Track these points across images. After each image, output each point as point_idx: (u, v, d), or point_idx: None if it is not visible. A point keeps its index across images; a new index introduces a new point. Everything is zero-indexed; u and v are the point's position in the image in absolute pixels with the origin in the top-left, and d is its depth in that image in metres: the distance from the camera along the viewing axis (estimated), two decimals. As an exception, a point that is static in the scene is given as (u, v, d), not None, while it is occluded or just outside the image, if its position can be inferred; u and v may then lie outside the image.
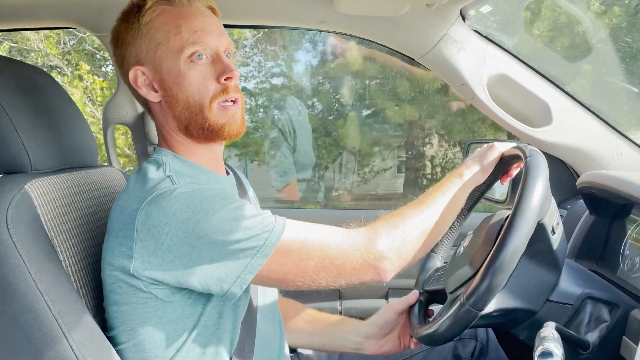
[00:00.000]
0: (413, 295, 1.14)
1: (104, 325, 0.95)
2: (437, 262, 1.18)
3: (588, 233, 1.28)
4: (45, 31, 5.15)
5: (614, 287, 1.04)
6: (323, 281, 0.90)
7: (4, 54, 5.30)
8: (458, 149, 5.77)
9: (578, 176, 1.51)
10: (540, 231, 0.92)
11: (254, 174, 5.62)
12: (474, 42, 1.52)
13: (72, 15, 1.64)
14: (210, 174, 1.02)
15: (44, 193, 0.93)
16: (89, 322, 0.88)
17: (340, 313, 1.86)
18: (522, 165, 0.94)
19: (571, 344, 0.94)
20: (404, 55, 1.63)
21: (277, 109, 5.66)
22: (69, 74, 5.45)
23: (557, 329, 0.88)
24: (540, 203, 0.87)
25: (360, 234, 0.91)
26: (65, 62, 5.71)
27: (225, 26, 1.03)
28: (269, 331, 1.09)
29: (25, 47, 5.54)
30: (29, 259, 0.83)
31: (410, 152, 6.05)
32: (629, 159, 1.51)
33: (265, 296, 1.10)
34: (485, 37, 1.53)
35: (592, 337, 0.97)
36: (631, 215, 1.19)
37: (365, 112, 5.84)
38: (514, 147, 1.00)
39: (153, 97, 0.99)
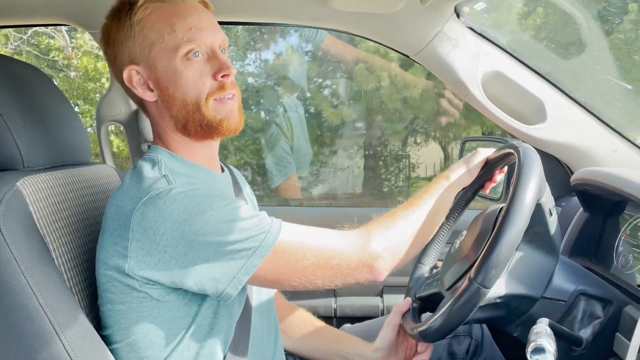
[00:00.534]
0: (405, 304, 1.14)
1: (98, 323, 0.95)
2: (425, 272, 1.18)
3: (582, 230, 1.29)
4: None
5: (607, 284, 1.05)
6: (319, 281, 0.91)
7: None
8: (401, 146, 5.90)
9: (572, 173, 1.52)
10: (538, 212, 0.94)
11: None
12: (468, 39, 1.52)
13: (64, 12, 1.62)
14: (206, 172, 1.02)
15: (36, 190, 0.92)
16: (82, 321, 0.87)
17: (335, 311, 1.87)
18: (509, 163, 0.99)
19: (564, 340, 0.95)
20: (398, 52, 1.63)
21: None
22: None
23: (551, 325, 0.88)
24: (539, 179, 0.90)
25: (354, 234, 0.94)
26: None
27: (218, 23, 1.02)
28: (264, 329, 1.08)
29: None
30: (20, 257, 0.82)
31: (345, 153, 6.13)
32: (623, 156, 1.51)
33: (261, 294, 1.10)
34: (480, 34, 1.53)
35: (586, 333, 0.97)
36: (625, 212, 1.19)
37: (307, 113, 5.89)
38: (498, 150, 1.05)
39: (149, 96, 0.98)
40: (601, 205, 1.25)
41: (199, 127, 0.97)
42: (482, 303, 0.88)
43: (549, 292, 0.98)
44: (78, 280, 0.95)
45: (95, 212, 1.06)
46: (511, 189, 0.90)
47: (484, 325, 1.32)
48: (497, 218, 0.96)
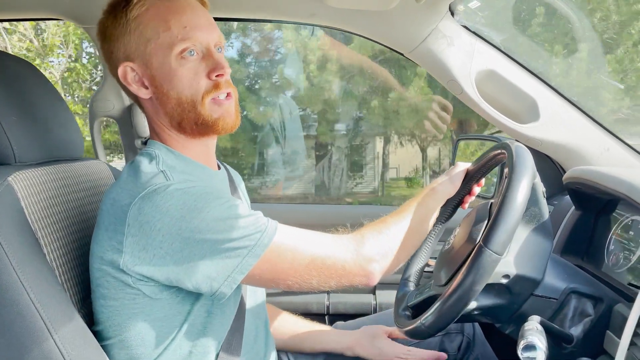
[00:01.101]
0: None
1: (90, 320, 0.94)
2: (411, 287, 1.18)
3: (574, 228, 1.29)
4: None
5: (598, 282, 1.05)
6: (314, 281, 0.91)
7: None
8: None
9: (564, 172, 1.52)
10: (533, 193, 0.97)
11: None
12: (462, 37, 1.52)
13: (57, 6, 1.61)
14: (203, 169, 1.02)
15: (28, 185, 0.91)
16: (74, 317, 0.87)
17: (328, 308, 1.87)
18: (499, 163, 1.03)
19: (555, 338, 0.95)
20: (392, 49, 1.63)
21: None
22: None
23: (542, 323, 0.89)
24: (532, 162, 0.93)
25: (349, 238, 0.95)
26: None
27: (214, 19, 1.02)
28: (258, 328, 1.09)
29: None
30: (11, 252, 0.82)
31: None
32: (615, 155, 1.52)
33: (257, 294, 1.11)
34: (474, 33, 1.53)
35: (576, 331, 0.98)
36: (616, 211, 1.20)
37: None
38: (477, 160, 1.09)
39: (144, 93, 0.98)
40: (593, 204, 1.25)
41: (194, 125, 0.97)
42: (490, 280, 0.88)
43: (541, 290, 0.98)
44: (70, 276, 0.94)
45: (87, 207, 1.06)
46: (506, 170, 0.92)
47: (476, 324, 1.33)
48: (490, 208, 0.99)
